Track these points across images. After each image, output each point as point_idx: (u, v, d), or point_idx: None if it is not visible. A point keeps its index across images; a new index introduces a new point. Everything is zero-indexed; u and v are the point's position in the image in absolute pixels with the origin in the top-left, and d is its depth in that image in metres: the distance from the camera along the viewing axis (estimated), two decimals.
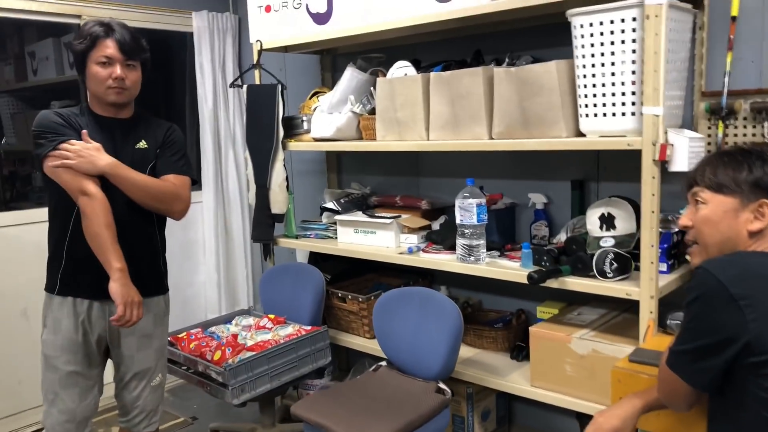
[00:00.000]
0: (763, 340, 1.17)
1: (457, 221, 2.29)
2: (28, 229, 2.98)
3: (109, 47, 1.93)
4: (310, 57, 3.23)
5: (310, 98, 2.95)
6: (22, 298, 2.98)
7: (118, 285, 1.86)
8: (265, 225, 2.91)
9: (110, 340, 2.04)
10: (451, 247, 2.40)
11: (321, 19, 2.66)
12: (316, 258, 3.08)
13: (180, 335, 2.61)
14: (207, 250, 3.59)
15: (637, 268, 1.91)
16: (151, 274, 2.09)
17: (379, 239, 2.66)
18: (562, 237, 2.32)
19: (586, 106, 1.95)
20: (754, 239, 1.33)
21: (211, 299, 3.64)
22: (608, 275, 1.98)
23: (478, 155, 2.67)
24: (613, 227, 2.10)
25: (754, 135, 1.94)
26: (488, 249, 2.31)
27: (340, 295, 2.77)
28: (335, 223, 2.87)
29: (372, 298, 2.70)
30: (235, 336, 2.56)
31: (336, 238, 2.84)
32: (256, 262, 3.78)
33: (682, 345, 1.30)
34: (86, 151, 1.88)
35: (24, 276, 2.94)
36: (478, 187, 2.62)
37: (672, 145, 1.80)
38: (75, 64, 1.99)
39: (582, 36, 1.91)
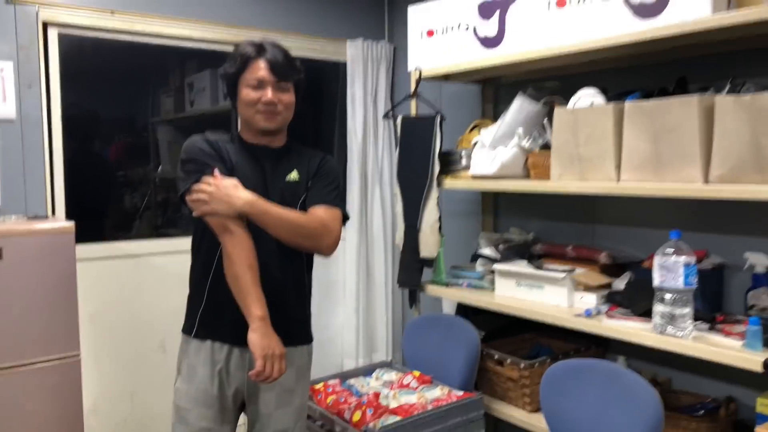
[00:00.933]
0: None
1: (656, 283, 1.85)
2: (175, 258, 2.91)
3: (261, 68, 1.75)
4: (470, 87, 2.94)
5: (470, 131, 2.65)
6: (160, 331, 2.90)
7: (258, 335, 1.64)
8: (412, 269, 2.62)
9: (248, 394, 1.81)
10: (645, 313, 1.95)
11: (490, 43, 2.36)
12: (465, 310, 2.73)
13: (317, 386, 2.36)
14: (347, 292, 3.36)
15: None
16: (296, 321, 1.86)
17: (547, 296, 2.27)
18: None
19: None
20: None
21: (348, 344, 3.39)
22: None
23: (675, 202, 2.21)
24: None
25: None
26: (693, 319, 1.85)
27: (497, 357, 2.39)
28: (492, 272, 2.52)
29: (537, 365, 2.29)
30: (377, 395, 2.26)
31: (492, 289, 2.49)
32: (396, 309, 3.50)
33: None
34: (221, 192, 1.66)
35: (166, 306, 2.86)
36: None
37: None
38: (227, 88, 1.83)
39: None
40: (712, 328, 1.88)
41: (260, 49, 1.77)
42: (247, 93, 1.76)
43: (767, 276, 2.00)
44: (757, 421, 1.90)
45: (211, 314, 1.79)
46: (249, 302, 1.65)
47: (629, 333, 1.93)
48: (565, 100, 2.33)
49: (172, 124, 3.75)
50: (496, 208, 2.95)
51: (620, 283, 2.22)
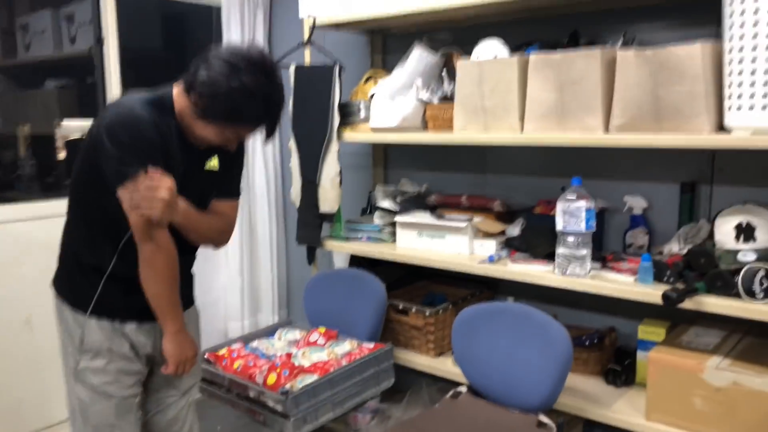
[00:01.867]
0: None
1: (559, 227, 1.98)
2: (23, 226, 2.58)
3: (253, 131, 1.63)
4: (357, 37, 2.88)
5: (365, 82, 2.61)
6: (24, 306, 2.57)
7: (173, 346, 1.63)
8: (312, 225, 2.56)
9: (156, 360, 1.73)
10: (547, 256, 2.09)
11: None
12: (359, 264, 2.74)
13: (220, 352, 2.24)
14: (230, 252, 3.21)
15: None
16: (188, 284, 1.81)
17: (449, 245, 2.34)
18: (673, 248, 2.03)
19: (738, 97, 1.65)
20: None
21: (232, 306, 3.27)
22: (757, 296, 1.68)
23: (560, 152, 2.36)
24: (753, 239, 1.82)
25: None
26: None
27: (401, 307, 2.44)
28: (392, 225, 2.54)
29: (440, 311, 2.37)
30: (289, 355, 2.21)
31: (392, 241, 2.52)
32: (281, 267, 3.41)
33: None
34: (159, 198, 1.43)
35: (27, 280, 2.54)
36: (561, 189, 2.33)
37: None
38: (214, 100, 1.51)
39: (742, 12, 1.61)
40: (604, 267, 2.06)
41: (274, 117, 1.58)
42: (222, 134, 1.56)
43: (643, 217, 2.22)
44: (639, 347, 2.14)
45: (114, 293, 1.63)
46: (167, 318, 1.60)
47: (534, 275, 2.05)
48: (462, 51, 2.37)
49: (2, 72, 3.28)
50: (387, 161, 2.95)
51: (514, 230, 2.34)
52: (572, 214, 1.94)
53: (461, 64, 2.16)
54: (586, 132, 1.91)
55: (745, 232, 1.82)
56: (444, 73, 2.36)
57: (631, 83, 1.80)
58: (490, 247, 2.28)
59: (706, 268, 1.83)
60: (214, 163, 1.67)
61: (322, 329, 2.39)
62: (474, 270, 2.19)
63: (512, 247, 2.27)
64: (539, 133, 2.01)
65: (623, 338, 2.32)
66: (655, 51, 1.75)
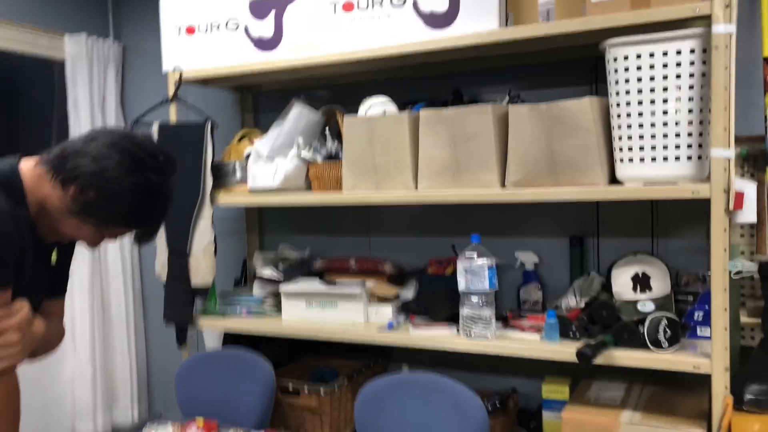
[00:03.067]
0: None
1: (462, 287, 1.89)
2: None
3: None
4: (225, 95, 2.69)
5: (239, 141, 2.41)
6: None
7: None
8: (182, 302, 2.26)
9: None
10: (449, 318, 1.98)
11: (267, 45, 2.17)
12: (235, 342, 2.45)
13: None
14: (79, 338, 2.77)
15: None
16: None
17: (342, 313, 2.16)
18: (570, 302, 2.01)
19: (629, 149, 1.69)
20: None
21: (81, 401, 2.79)
22: (663, 345, 1.69)
23: (445, 209, 2.31)
24: (649, 288, 1.84)
25: None
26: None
27: (291, 387, 2.19)
28: (275, 295, 2.32)
29: (336, 389, 2.16)
30: None
31: (277, 313, 2.29)
32: (140, 350, 3.00)
33: None
34: (14, 349, 1.15)
35: None
36: (450, 246, 2.28)
37: (742, 193, 1.59)
38: (102, 194, 1.23)
39: (626, 69, 1.66)
40: (506, 326, 1.99)
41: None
42: (99, 234, 1.28)
43: (535, 272, 2.21)
44: (544, 407, 2.07)
45: None
46: None
47: (439, 340, 1.93)
48: (343, 109, 2.27)
49: None
50: (262, 225, 2.74)
51: (408, 293, 2.23)
52: (475, 272, 1.86)
53: (349, 121, 2.04)
54: (483, 188, 1.86)
55: (641, 282, 1.84)
56: (327, 131, 2.24)
57: (526, 138, 1.79)
58: (386, 312, 2.13)
59: (608, 321, 1.82)
60: (54, 257, 1.37)
61: (201, 421, 2.06)
62: (374, 339, 2.02)
63: (409, 311, 2.14)
64: (434, 190, 1.93)
65: (523, 398, 2.26)
66: (548, 106, 1.75)
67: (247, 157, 2.29)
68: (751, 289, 1.83)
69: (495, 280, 1.88)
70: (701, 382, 1.93)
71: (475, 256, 1.88)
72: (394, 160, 1.97)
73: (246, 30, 2.18)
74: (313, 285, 2.20)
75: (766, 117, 1.75)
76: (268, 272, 2.34)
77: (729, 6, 1.52)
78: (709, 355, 1.60)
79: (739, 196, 1.56)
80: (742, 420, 1.57)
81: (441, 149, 1.91)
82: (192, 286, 2.25)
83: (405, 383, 1.91)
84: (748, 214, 1.61)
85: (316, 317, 2.19)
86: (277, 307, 2.31)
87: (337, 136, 2.23)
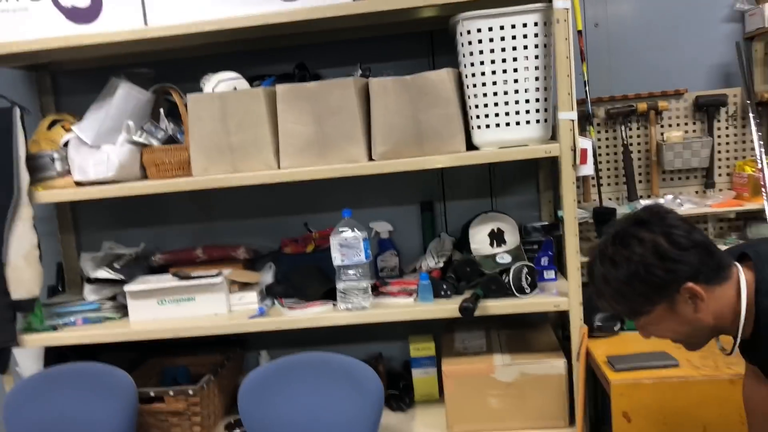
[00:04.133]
0: None
1: (338, 262, 1.89)
2: None
3: None
4: (16, 76, 2.28)
5: (49, 128, 2.07)
6: None
7: None
8: (2, 320, 1.90)
9: None
10: (326, 295, 1.97)
11: (82, 16, 1.88)
12: (59, 358, 2.14)
13: None
14: None
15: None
16: None
17: (201, 307, 2.01)
18: (429, 263, 2.13)
19: (485, 116, 1.82)
20: (705, 312, 1.17)
21: None
22: (526, 291, 1.88)
23: (294, 188, 2.27)
24: (504, 242, 2.03)
25: (614, 138, 2.13)
26: None
27: (153, 394, 1.98)
28: (113, 298, 2.07)
29: (204, 386, 2.01)
30: None
31: (121, 317, 2.06)
32: None
33: None
34: None
35: None
36: (303, 225, 2.28)
37: (585, 149, 1.82)
38: None
39: (479, 41, 1.78)
40: (378, 294, 2.03)
41: None
42: None
43: (390, 240, 2.29)
44: (413, 365, 2.18)
45: None
46: None
47: (320, 318, 1.91)
48: (176, 87, 2.08)
49: None
50: (77, 223, 2.40)
51: (268, 276, 2.16)
52: (350, 246, 1.87)
53: (196, 99, 1.88)
54: (352, 162, 1.86)
55: (497, 237, 2.02)
56: (162, 112, 2.03)
57: (391, 109, 1.83)
58: (250, 299, 2.04)
59: (473, 276, 1.96)
60: None
61: None
62: (246, 328, 1.93)
63: (275, 294, 2.07)
64: (300, 167, 1.88)
65: (387, 362, 2.34)
66: (412, 77, 1.81)
67: (65, 145, 1.99)
68: (586, 233, 2.11)
69: (369, 252, 1.91)
70: (543, 320, 2.21)
71: (348, 230, 1.88)
72: (252, 138, 1.87)
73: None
74: (165, 281, 2.01)
75: (585, 83, 2.01)
76: (103, 273, 2.07)
77: None
78: (567, 294, 1.83)
79: (584, 152, 1.79)
80: (594, 344, 1.84)
81: (304, 125, 1.86)
82: (12, 300, 1.90)
83: (292, 366, 1.85)
84: (588, 168, 1.85)
85: (170, 315, 2.01)
86: (119, 310, 2.07)
87: (173, 116, 2.05)
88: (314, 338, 2.14)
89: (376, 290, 2.05)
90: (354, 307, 1.91)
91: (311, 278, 2.02)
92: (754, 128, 1.94)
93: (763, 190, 1.88)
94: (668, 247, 1.13)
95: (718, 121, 2.07)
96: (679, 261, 1.13)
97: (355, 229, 1.88)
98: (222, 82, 1.94)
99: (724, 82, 2.10)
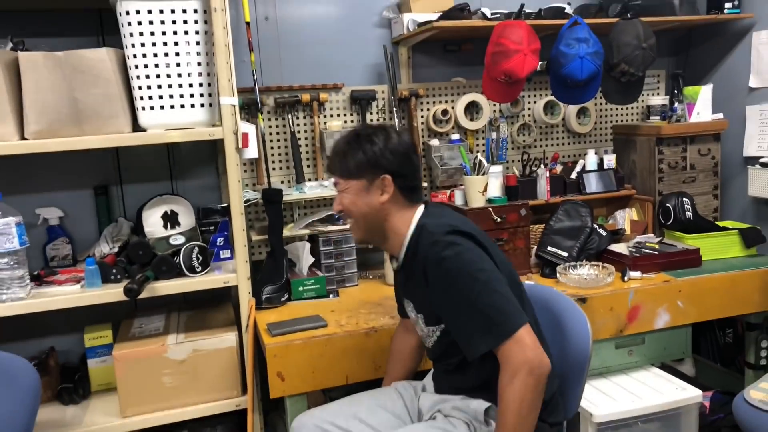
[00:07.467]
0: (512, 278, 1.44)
1: None
2: None
3: None
4: None
5: None
6: None
7: None
8: None
9: None
10: None
11: None
12: None
13: None
14: None
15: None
16: None
17: None
18: (104, 249, 2.08)
19: (149, 98, 1.84)
20: (388, 208, 1.47)
21: None
22: (197, 270, 1.94)
23: None
24: (178, 224, 2.06)
25: (283, 126, 2.28)
26: None
27: None
28: None
29: None
30: None
31: None
32: None
33: (492, 297, 1.31)
34: None
35: None
36: None
37: (247, 133, 1.93)
38: None
39: (139, 23, 1.78)
40: (42, 284, 1.92)
41: None
42: None
43: (61, 227, 2.17)
44: (88, 355, 2.11)
45: None
46: None
47: None
48: None
49: None
50: None
51: None
52: (2, 232, 1.73)
53: None
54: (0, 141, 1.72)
55: (170, 219, 2.05)
56: None
57: (44, 86, 1.74)
58: None
59: (146, 259, 1.97)
60: None
61: None
62: None
63: None
64: None
65: (63, 355, 2.22)
66: (65, 54, 1.74)
67: None
68: (257, 213, 2.25)
69: (25, 238, 1.79)
70: (225, 299, 2.30)
71: None
72: None
73: None
74: None
75: (252, 72, 2.14)
76: None
77: None
78: (235, 270, 1.94)
79: (245, 136, 1.91)
80: (262, 316, 1.98)
81: None
82: None
83: None
84: (252, 151, 1.98)
85: None
86: None
87: None
88: None
89: (40, 280, 1.93)
90: (9, 298, 1.78)
91: None
92: (396, 120, 2.26)
93: None
94: (393, 142, 1.46)
95: (371, 113, 2.38)
96: (392, 155, 1.44)
97: (7, 215, 1.75)
98: None
99: (377, 80, 2.41)
